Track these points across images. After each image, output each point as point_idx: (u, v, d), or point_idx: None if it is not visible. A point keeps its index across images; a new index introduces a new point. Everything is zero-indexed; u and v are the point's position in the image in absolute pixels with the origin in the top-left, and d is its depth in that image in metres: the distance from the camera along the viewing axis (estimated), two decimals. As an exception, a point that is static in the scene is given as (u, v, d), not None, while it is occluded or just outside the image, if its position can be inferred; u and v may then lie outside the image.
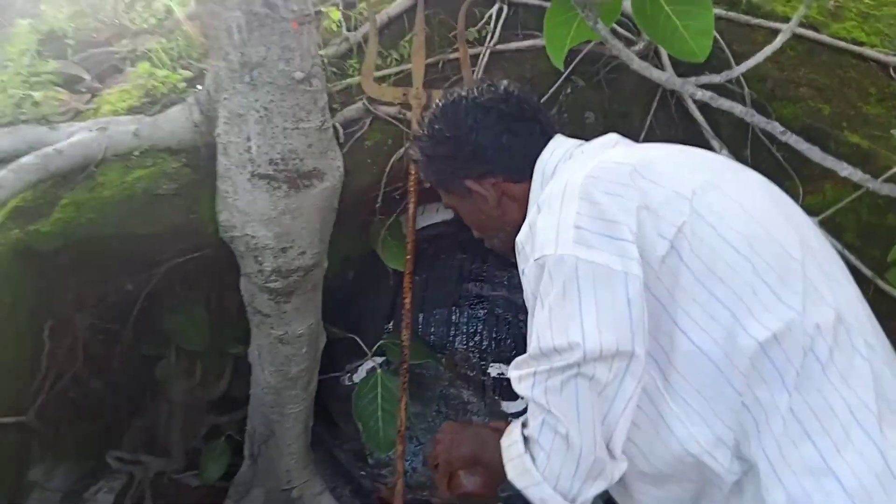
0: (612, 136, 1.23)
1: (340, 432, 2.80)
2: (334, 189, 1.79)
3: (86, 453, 2.55)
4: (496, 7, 2.07)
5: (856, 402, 0.96)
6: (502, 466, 1.08)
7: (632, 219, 1.00)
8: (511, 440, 1.06)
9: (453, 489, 1.26)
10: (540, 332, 1.00)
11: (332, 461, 2.74)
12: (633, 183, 1.03)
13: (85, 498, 2.54)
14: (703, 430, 1.00)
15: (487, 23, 2.05)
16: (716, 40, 1.68)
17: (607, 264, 0.97)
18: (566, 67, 1.93)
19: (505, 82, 1.30)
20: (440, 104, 1.29)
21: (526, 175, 1.22)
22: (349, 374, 2.61)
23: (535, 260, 1.03)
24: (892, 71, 1.83)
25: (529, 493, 1.02)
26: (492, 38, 2.02)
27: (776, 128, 1.20)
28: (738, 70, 1.34)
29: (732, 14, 1.92)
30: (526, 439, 1.03)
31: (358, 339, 2.44)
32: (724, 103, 1.25)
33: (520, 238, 1.11)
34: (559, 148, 1.22)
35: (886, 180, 1.42)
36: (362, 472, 2.72)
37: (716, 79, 1.30)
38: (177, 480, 2.77)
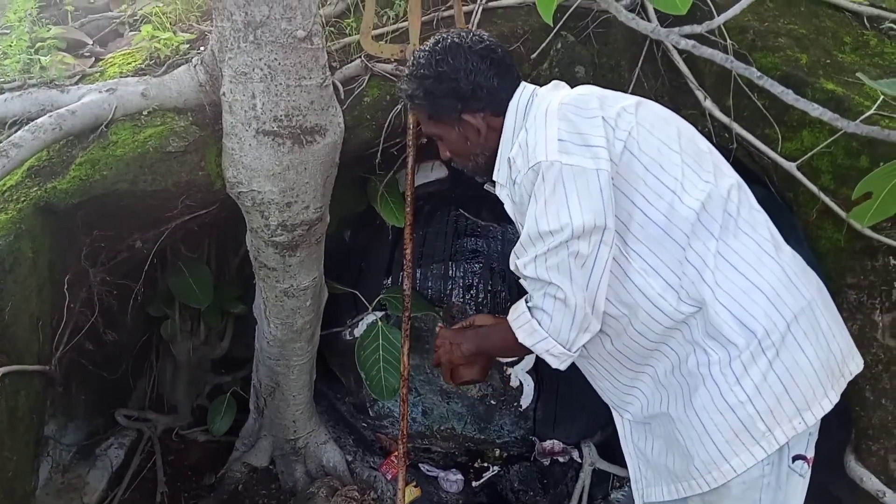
0: (556, 82, 1.57)
1: (341, 386, 2.91)
2: (336, 144, 1.87)
3: (95, 411, 2.65)
4: (487, -35, 2.13)
5: (759, 238, 1.41)
6: (501, 347, 1.59)
7: (599, 129, 1.37)
8: (518, 312, 1.44)
9: (455, 380, 1.68)
10: (537, 218, 1.34)
11: (334, 413, 2.86)
12: (596, 105, 1.41)
13: (97, 453, 2.64)
14: (656, 278, 1.39)
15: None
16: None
17: (583, 165, 1.33)
18: (556, 23, 2.00)
19: (486, 34, 1.57)
20: (438, 47, 1.51)
21: (504, 109, 1.52)
22: (350, 329, 2.70)
23: (531, 167, 1.36)
24: (865, 20, 1.92)
25: (538, 347, 1.41)
26: (484, -5, 2.08)
27: (753, 73, 1.28)
28: (719, 20, 1.41)
29: None
30: (530, 309, 1.41)
31: (358, 294, 2.53)
32: (706, 51, 1.33)
33: (511, 154, 1.45)
34: (525, 91, 1.53)
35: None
36: (363, 424, 2.83)
37: (698, 29, 1.37)
38: (184, 436, 2.88)
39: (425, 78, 1.50)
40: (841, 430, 1.84)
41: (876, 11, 1.91)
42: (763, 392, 1.35)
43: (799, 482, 1.42)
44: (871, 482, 1.75)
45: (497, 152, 1.53)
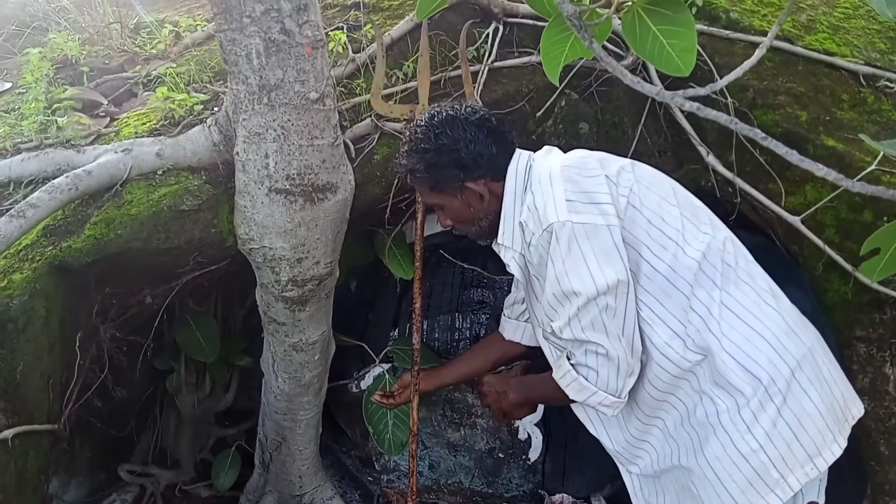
0: (548, 147, 1.64)
1: (347, 440, 2.88)
2: (346, 201, 1.90)
3: (98, 467, 2.61)
4: (493, 27, 2.19)
5: (758, 288, 1.47)
6: (547, 398, 1.71)
7: (603, 187, 1.45)
8: (563, 371, 1.50)
9: (507, 419, 1.97)
10: (559, 279, 1.41)
11: (339, 468, 2.82)
12: (596, 165, 1.50)
13: (99, 510, 2.60)
14: (663, 327, 1.45)
15: (485, 42, 2.17)
16: (699, 54, 1.81)
17: (594, 222, 1.40)
18: (560, 82, 2.05)
19: (479, 104, 1.69)
20: (435, 121, 1.58)
21: (503, 174, 1.58)
22: (357, 382, 2.69)
23: (545, 229, 1.42)
24: (861, 79, 1.97)
25: (590, 401, 1.48)
26: (489, 55, 2.14)
27: (758, 134, 1.31)
28: (722, 83, 1.45)
29: (714, 29, 2.05)
30: (574, 367, 1.47)
31: (365, 347, 2.53)
32: (710, 113, 1.36)
33: (521, 218, 1.51)
34: (521, 156, 1.61)
35: (859, 180, 1.56)
36: (369, 478, 2.80)
37: (701, 91, 1.41)
38: (187, 491, 2.84)
39: (426, 152, 1.56)
40: (854, 480, 1.82)
41: (871, 70, 1.96)
42: (774, 439, 1.38)
43: None
44: (889, 539, 1.73)
45: (500, 215, 1.59)
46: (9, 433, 1.46)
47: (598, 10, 1.55)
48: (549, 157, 1.58)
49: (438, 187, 1.59)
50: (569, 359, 1.49)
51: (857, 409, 1.50)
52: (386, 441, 2.28)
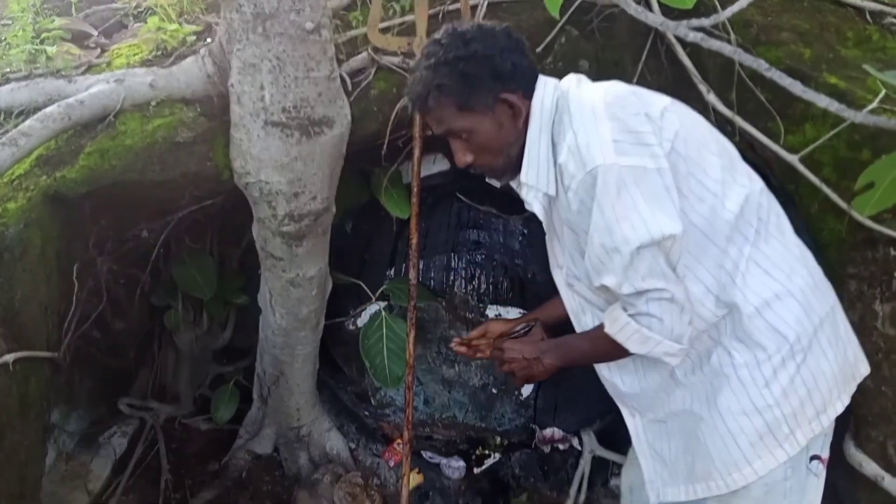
0: (577, 76, 1.47)
1: (344, 376, 2.94)
2: (343, 136, 1.88)
3: (98, 400, 2.67)
4: (494, -41, 2.13)
5: (788, 243, 1.42)
6: (592, 357, 1.53)
7: (647, 127, 1.30)
8: (620, 324, 1.37)
9: (526, 382, 1.67)
10: (610, 229, 1.27)
11: (336, 403, 2.88)
12: (636, 101, 1.34)
13: (100, 441, 2.66)
14: (697, 284, 1.37)
15: (485, -26, 2.11)
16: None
17: (643, 165, 1.26)
18: (560, 17, 2.01)
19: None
20: (461, 31, 1.38)
21: (532, 93, 1.41)
22: (353, 319, 2.72)
23: (588, 172, 1.27)
24: (867, 15, 1.94)
25: (655, 352, 1.37)
26: (489, -12, 2.09)
27: (762, 65, 1.31)
28: (726, 13, 1.44)
29: None
30: (634, 317, 1.35)
31: (362, 285, 2.55)
32: (714, 43, 1.35)
33: (561, 160, 1.33)
34: (547, 84, 1.43)
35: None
36: (366, 412, 2.86)
37: (705, 22, 1.40)
38: (187, 425, 2.90)
39: (458, 61, 1.34)
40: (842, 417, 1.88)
41: (878, 7, 1.93)
42: (790, 396, 1.37)
43: (815, 483, 1.45)
44: (870, 467, 1.78)
45: (524, 148, 1.42)
46: (9, 357, 1.48)
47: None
48: (585, 90, 1.39)
49: (468, 105, 1.38)
50: (625, 311, 1.36)
51: (864, 368, 1.49)
52: (382, 375, 2.32)
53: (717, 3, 1.92)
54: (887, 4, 1.94)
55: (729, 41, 1.89)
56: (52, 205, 1.67)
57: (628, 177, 1.25)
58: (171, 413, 2.89)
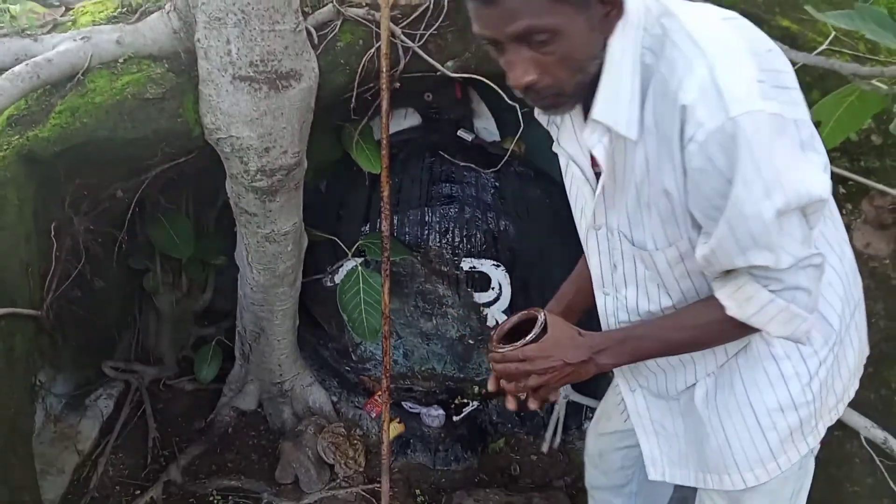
0: None
1: (324, 333, 3.00)
2: (311, 89, 1.91)
3: (82, 363, 2.71)
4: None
5: (837, 222, 1.26)
6: (672, 348, 1.23)
7: (786, 66, 1.05)
8: (759, 304, 1.08)
9: (539, 404, 1.26)
10: (770, 192, 0.98)
11: (318, 359, 2.94)
12: (760, 35, 1.07)
13: (87, 404, 2.71)
14: None
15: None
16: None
17: (790, 116, 1.00)
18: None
19: None
20: None
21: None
22: (330, 276, 2.77)
23: (731, 119, 0.95)
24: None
25: (798, 333, 1.11)
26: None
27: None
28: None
29: None
30: (778, 294, 1.07)
31: (338, 241, 2.60)
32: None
33: (687, 101, 0.98)
34: None
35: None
36: (347, 368, 2.93)
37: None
38: (171, 386, 2.96)
39: None
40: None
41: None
42: (824, 390, 1.26)
43: (812, 462, 1.40)
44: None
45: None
46: (-7, 314, 1.52)
47: None
48: (697, 9, 1.06)
49: None
50: (766, 287, 1.07)
51: (867, 349, 1.38)
52: (360, 328, 2.38)
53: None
54: (840, -52, 1.98)
55: None
56: (26, 164, 1.69)
57: (777, 126, 0.97)
58: (156, 375, 2.94)
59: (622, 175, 1.12)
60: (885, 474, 1.82)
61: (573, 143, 1.20)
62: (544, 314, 1.22)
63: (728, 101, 0.96)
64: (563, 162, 1.28)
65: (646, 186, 1.10)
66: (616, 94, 1.05)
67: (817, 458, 1.41)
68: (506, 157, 2.50)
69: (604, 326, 1.35)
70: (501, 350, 1.20)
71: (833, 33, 1.75)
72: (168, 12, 1.83)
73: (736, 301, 1.10)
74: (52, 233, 1.75)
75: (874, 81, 1.40)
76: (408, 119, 2.84)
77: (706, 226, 1.07)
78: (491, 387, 1.31)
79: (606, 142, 1.09)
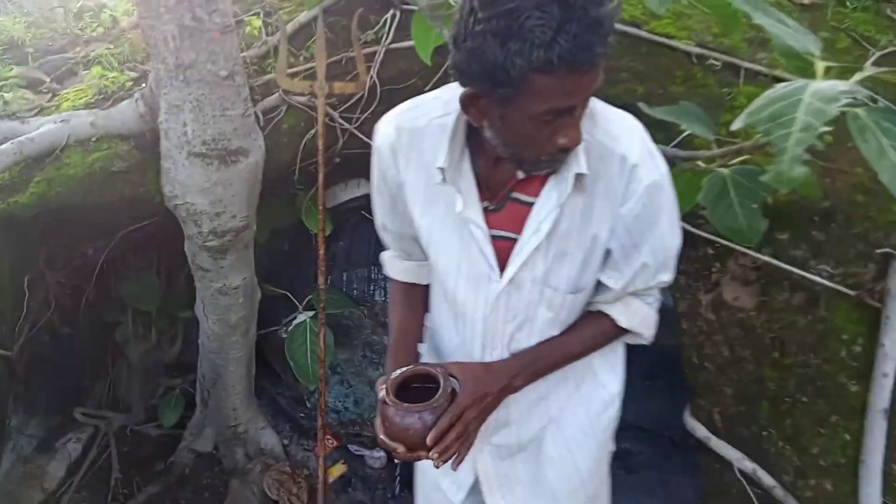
0: None
1: (282, 382, 3.24)
2: (258, 164, 2.23)
3: (55, 409, 2.94)
4: (391, 13, 2.52)
5: None
6: (567, 362, 1.35)
7: None
8: (641, 315, 1.34)
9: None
10: (673, 234, 1.26)
11: (273, 406, 3.18)
12: None
13: (56, 447, 2.93)
14: None
15: (383, 26, 2.50)
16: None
17: None
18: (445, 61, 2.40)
19: None
20: None
21: None
22: (286, 328, 3.04)
23: (663, 175, 1.19)
24: (693, 58, 2.35)
25: (652, 333, 1.39)
26: (387, 38, 2.48)
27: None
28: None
29: None
30: (651, 305, 1.36)
31: (290, 295, 2.88)
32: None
33: (635, 160, 1.16)
34: None
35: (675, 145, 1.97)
36: (301, 414, 3.16)
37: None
38: (138, 431, 3.17)
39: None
40: (681, 388, 2.24)
41: (701, 51, 2.34)
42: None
43: None
44: (701, 430, 2.14)
45: None
46: (-33, 353, 1.79)
47: (451, 2, 1.91)
48: None
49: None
50: (644, 300, 1.35)
51: None
52: (305, 373, 2.64)
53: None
54: (710, 49, 2.35)
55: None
56: (6, 226, 1.99)
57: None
58: (124, 421, 3.16)
59: (558, 226, 1.21)
60: (755, 502, 2.05)
61: (475, 207, 1.22)
62: (439, 367, 1.20)
63: (658, 162, 1.20)
64: (443, 230, 1.27)
65: (574, 235, 1.22)
66: (577, 154, 1.15)
67: (700, 489, 1.65)
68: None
69: (463, 350, 1.40)
70: (428, 417, 1.14)
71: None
72: (137, 99, 2.17)
73: (626, 315, 1.34)
74: (26, 283, 2.03)
75: (699, 162, 1.71)
76: (360, 188, 3.16)
77: (621, 262, 1.26)
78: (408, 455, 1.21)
79: (561, 197, 1.18)
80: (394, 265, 1.47)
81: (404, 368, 1.24)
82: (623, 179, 1.18)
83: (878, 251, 1.98)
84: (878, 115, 1.22)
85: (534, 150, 1.09)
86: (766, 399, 2.05)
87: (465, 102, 1.06)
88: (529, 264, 1.24)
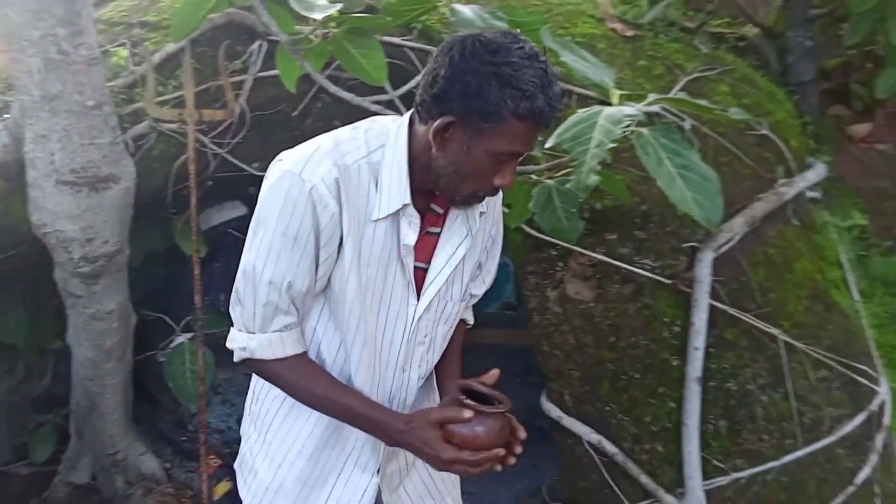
0: None
1: (161, 407, 3.24)
2: (129, 189, 2.30)
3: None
4: (257, 43, 2.67)
5: None
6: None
7: None
8: (470, 313, 1.55)
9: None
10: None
11: (154, 431, 3.18)
12: None
13: (-85, 495, 2.78)
14: None
15: (250, 56, 2.64)
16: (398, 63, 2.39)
17: None
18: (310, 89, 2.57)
19: None
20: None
21: None
22: (163, 351, 3.06)
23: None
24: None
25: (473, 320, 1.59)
26: (256, 67, 2.62)
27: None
28: (402, 90, 2.06)
29: (410, 43, 2.60)
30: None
31: (166, 318, 2.91)
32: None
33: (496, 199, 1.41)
34: None
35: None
36: (183, 438, 3.18)
37: (384, 97, 2.01)
38: (5, 471, 3.06)
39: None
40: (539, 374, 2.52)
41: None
42: None
43: None
44: (555, 411, 2.42)
45: None
46: None
47: (310, 37, 2.10)
48: None
49: None
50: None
51: None
52: (185, 392, 2.69)
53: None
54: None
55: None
56: None
57: None
58: (-12, 462, 3.04)
59: (471, 247, 1.35)
60: (603, 469, 2.35)
61: (413, 239, 1.28)
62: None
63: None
64: (368, 263, 1.27)
65: (475, 252, 1.38)
66: None
67: (558, 462, 1.85)
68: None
69: (389, 403, 1.38)
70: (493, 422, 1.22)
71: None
72: (0, 130, 2.18)
73: (469, 316, 1.56)
74: None
75: (532, 175, 2.00)
76: (234, 210, 3.26)
77: (484, 272, 1.49)
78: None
79: (472, 230, 1.33)
80: (285, 341, 1.27)
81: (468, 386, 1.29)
82: (493, 202, 1.39)
83: (686, 245, 2.37)
84: (657, 133, 1.53)
85: (476, 184, 1.21)
86: (607, 378, 2.36)
87: (440, 128, 1.15)
88: (441, 290, 1.34)
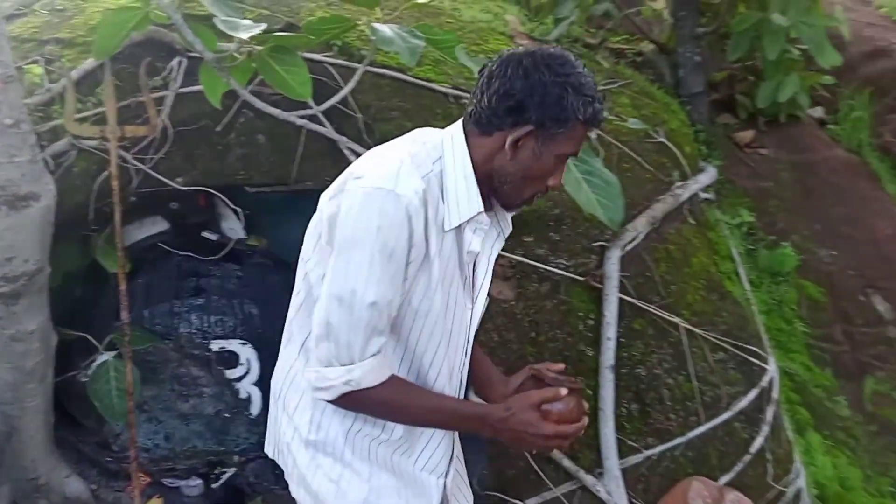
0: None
1: (84, 429, 3.17)
2: (49, 207, 2.27)
3: None
4: (177, 59, 2.69)
5: None
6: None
7: None
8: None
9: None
10: None
11: (77, 454, 3.09)
12: None
13: None
14: None
15: (171, 72, 2.66)
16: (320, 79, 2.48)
17: None
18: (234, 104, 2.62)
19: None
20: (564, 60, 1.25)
21: None
22: (85, 371, 3.00)
23: None
24: (450, 98, 2.82)
25: None
26: (176, 83, 2.64)
27: (343, 141, 2.01)
28: (326, 105, 2.15)
29: (329, 59, 2.69)
30: None
31: (88, 337, 2.86)
32: (314, 127, 2.04)
33: None
34: None
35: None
36: (108, 458, 3.12)
37: (309, 111, 2.10)
38: (-87, 511, 2.91)
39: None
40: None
41: (455, 91, 2.82)
42: None
43: None
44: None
45: None
46: None
47: (235, 55, 2.16)
48: None
49: None
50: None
51: None
52: (111, 411, 2.65)
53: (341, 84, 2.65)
54: (462, 90, 2.83)
55: (356, 118, 2.64)
56: None
57: None
58: None
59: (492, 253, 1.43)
60: (528, 456, 2.50)
61: (478, 243, 1.34)
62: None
63: None
64: (449, 271, 1.31)
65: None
66: None
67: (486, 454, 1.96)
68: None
69: (451, 389, 1.41)
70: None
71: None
72: None
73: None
74: None
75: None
76: (156, 225, 3.23)
77: None
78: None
79: (505, 229, 1.45)
80: (382, 363, 1.27)
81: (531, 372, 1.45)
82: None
83: (596, 244, 2.57)
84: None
85: (536, 186, 1.31)
86: (529, 372, 2.52)
87: (519, 137, 1.24)
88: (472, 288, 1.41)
